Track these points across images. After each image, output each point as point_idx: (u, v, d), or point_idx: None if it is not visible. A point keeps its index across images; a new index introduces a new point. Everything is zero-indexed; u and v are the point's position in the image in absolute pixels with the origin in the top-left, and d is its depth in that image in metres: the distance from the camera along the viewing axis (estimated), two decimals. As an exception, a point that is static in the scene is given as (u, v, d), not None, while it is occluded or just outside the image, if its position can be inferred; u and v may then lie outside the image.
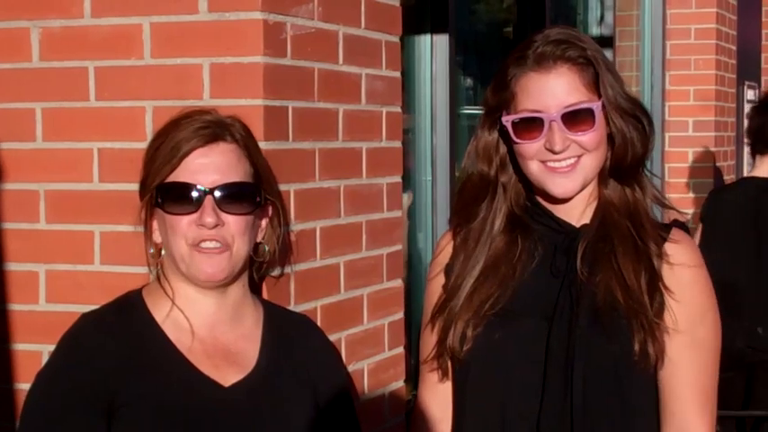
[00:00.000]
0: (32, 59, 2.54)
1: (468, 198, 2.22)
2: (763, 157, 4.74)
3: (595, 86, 2.10)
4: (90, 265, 2.51)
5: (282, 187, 2.45)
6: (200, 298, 2.07)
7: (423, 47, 4.41)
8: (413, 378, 4.47)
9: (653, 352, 2.07)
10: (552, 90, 2.08)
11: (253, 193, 2.08)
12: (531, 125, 2.10)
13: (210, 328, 2.07)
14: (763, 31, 9.28)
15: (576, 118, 2.08)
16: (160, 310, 2.06)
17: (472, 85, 5.80)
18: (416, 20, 4.35)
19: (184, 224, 2.02)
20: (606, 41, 6.58)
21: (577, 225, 2.17)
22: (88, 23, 2.49)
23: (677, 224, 2.20)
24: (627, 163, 2.13)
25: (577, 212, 2.17)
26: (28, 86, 2.54)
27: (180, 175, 2.02)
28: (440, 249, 2.28)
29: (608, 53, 6.38)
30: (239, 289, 2.11)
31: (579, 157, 2.10)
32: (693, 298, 2.11)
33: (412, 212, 4.52)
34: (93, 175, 2.51)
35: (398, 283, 3.03)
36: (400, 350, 3.02)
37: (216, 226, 2.01)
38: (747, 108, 8.21)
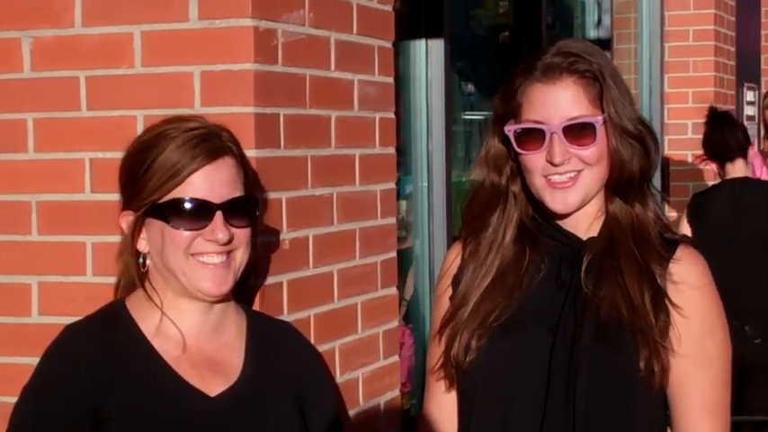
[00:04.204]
0: (24, 69, 2.52)
1: (480, 208, 2.21)
2: (732, 162, 5.17)
3: (600, 102, 2.09)
4: (82, 276, 2.50)
5: (274, 195, 2.45)
6: (188, 308, 2.07)
7: (417, 52, 4.40)
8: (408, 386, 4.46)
9: (658, 369, 2.05)
10: (556, 102, 2.07)
11: (254, 205, 2.10)
12: (533, 136, 2.09)
13: (195, 337, 2.07)
14: (763, 32, 9.28)
15: (577, 131, 2.07)
16: (145, 320, 2.06)
17: (468, 90, 5.79)
18: (411, 25, 4.34)
19: (188, 238, 2.01)
20: (604, 44, 6.58)
21: (584, 238, 2.15)
22: (79, 32, 2.48)
23: (684, 239, 2.18)
24: (622, 182, 2.12)
25: (584, 226, 2.16)
26: (19, 97, 2.53)
27: (187, 190, 2.01)
28: (448, 263, 2.27)
29: (605, 56, 6.36)
30: (224, 297, 2.10)
31: (579, 171, 2.09)
32: (700, 316, 2.09)
33: (408, 219, 4.52)
34: (85, 186, 2.50)
35: (393, 291, 3.01)
36: (395, 359, 3.01)
37: (228, 242, 2.02)
38: (747, 110, 8.23)
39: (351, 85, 2.79)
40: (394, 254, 3.02)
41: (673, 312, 2.07)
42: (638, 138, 2.11)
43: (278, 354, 2.16)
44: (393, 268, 3.02)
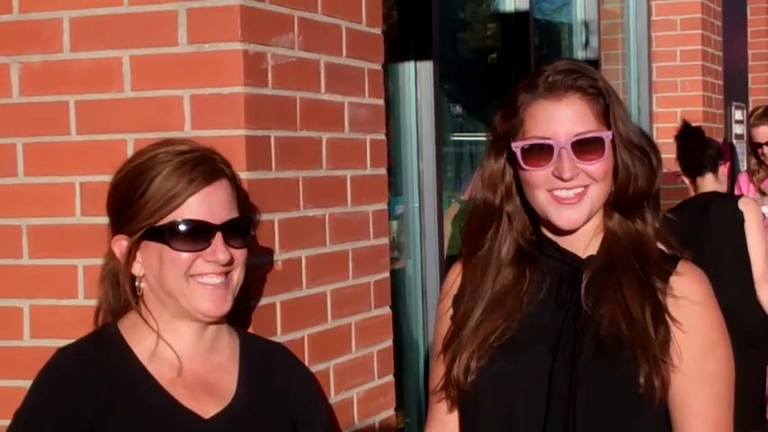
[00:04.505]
0: (12, 95, 2.53)
1: (475, 227, 2.21)
2: (703, 177, 5.28)
3: (605, 117, 2.09)
4: (74, 299, 2.50)
5: (266, 217, 2.45)
6: (183, 330, 2.07)
7: (407, 74, 4.41)
8: (402, 405, 4.45)
9: (658, 385, 2.03)
10: (562, 118, 2.07)
11: (249, 226, 2.10)
12: (541, 152, 2.07)
13: (189, 359, 2.07)
14: (750, 52, 9.32)
15: (585, 147, 2.06)
16: (139, 343, 2.05)
17: (457, 112, 5.81)
18: (400, 47, 4.35)
19: (188, 260, 2.02)
20: (592, 65, 6.58)
21: (583, 256, 2.14)
22: (68, 57, 2.49)
23: (685, 255, 2.17)
24: (628, 197, 2.11)
25: (583, 244, 2.14)
26: (9, 122, 2.54)
27: (185, 212, 2.01)
28: (449, 283, 2.26)
29: (594, 77, 6.38)
30: (219, 319, 2.10)
31: (586, 187, 2.08)
32: (702, 332, 2.08)
33: (400, 239, 4.53)
34: (75, 209, 2.50)
35: (386, 310, 3.01)
36: (390, 378, 3.01)
37: (228, 263, 2.02)
38: (736, 128, 8.26)
39: (341, 108, 2.80)
40: (387, 274, 3.03)
41: (673, 328, 2.05)
42: (645, 153, 2.12)
43: (271, 375, 2.15)
44: (386, 288, 3.02)
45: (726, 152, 5.61)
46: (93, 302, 2.42)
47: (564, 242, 2.15)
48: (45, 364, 2.04)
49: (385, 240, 3.02)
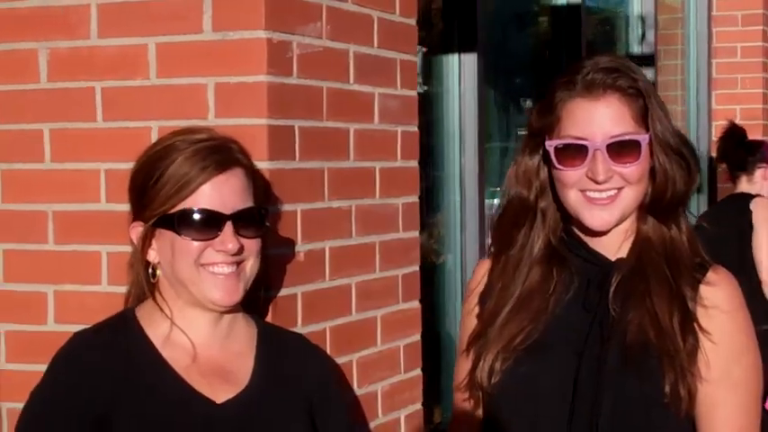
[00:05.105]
0: (40, 80, 2.54)
1: (508, 224, 2.18)
2: (738, 178, 5.41)
3: (643, 119, 2.05)
4: (98, 285, 2.51)
5: (288, 207, 2.44)
6: (197, 317, 2.08)
7: (450, 66, 4.37)
8: (440, 401, 4.44)
9: (684, 394, 2.00)
10: (600, 119, 2.03)
11: (264, 216, 2.10)
12: (575, 152, 2.05)
13: (206, 346, 2.08)
14: (815, 49, 9.15)
15: (621, 149, 2.03)
16: (155, 329, 2.06)
17: (527, 106, 5.76)
18: (444, 39, 4.32)
19: (198, 248, 2.02)
20: (648, 60, 6.52)
21: (613, 259, 2.11)
22: (94, 44, 2.50)
23: (716, 263, 2.13)
24: (666, 201, 2.08)
25: (614, 246, 2.11)
26: (36, 107, 2.55)
27: (197, 201, 2.01)
28: (476, 280, 2.24)
29: (649, 72, 6.33)
30: (234, 308, 2.10)
31: (620, 189, 2.05)
32: (729, 341, 2.05)
33: (441, 233, 4.51)
34: (100, 196, 2.51)
35: (415, 304, 2.99)
36: (417, 372, 2.98)
37: (238, 252, 2.02)
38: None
39: (371, 98, 2.78)
40: (416, 267, 3.00)
41: (702, 338, 2.02)
42: (681, 154, 2.08)
43: (289, 364, 2.15)
44: (415, 282, 3.00)
45: None
46: (117, 289, 2.45)
47: (594, 243, 2.12)
48: (62, 346, 2.06)
49: (415, 234, 2.99)
